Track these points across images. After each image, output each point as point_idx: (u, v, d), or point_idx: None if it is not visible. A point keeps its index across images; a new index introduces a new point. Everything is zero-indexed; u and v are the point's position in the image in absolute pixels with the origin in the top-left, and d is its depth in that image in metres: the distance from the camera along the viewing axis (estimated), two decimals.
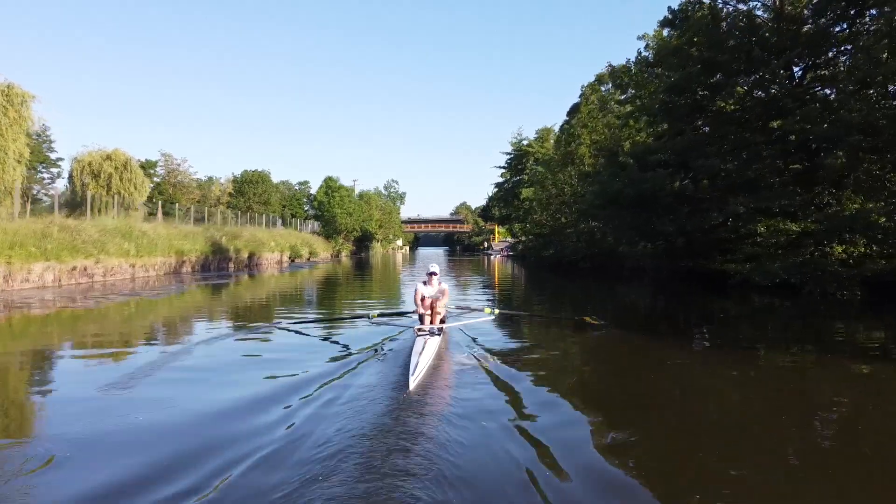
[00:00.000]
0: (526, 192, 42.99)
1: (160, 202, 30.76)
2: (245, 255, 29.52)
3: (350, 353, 6.50)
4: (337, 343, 7.41)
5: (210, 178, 65.52)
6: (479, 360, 6.14)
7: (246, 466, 3.20)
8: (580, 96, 32.22)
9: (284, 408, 4.34)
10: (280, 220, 49.20)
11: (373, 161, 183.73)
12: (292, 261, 37.11)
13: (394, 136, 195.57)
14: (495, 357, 6.34)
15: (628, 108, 21.92)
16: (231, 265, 27.87)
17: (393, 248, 79.60)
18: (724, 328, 9.94)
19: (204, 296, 15.11)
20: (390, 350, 6.56)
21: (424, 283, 7.22)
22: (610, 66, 21.44)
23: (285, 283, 20.93)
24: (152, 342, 7.97)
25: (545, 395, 4.95)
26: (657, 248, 21.06)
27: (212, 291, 16.23)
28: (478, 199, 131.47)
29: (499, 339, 7.90)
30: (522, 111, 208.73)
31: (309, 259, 40.99)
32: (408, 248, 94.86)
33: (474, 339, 7.43)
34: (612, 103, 22.77)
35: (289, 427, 3.86)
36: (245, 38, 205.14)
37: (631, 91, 21.20)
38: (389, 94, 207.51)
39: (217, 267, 26.24)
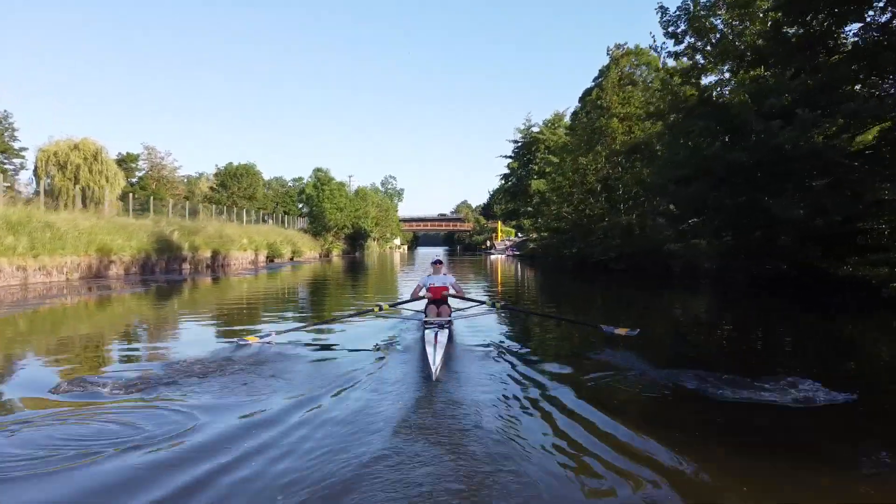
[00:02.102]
0: (536, 184, 37.88)
1: (94, 187, 25.85)
2: (206, 253, 24.56)
3: (360, 352, 5.93)
4: (341, 344, 6.42)
5: (201, 175, 61.33)
6: (492, 350, 6.09)
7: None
8: (609, 61, 27.19)
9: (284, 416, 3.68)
10: (270, 217, 45.00)
11: (370, 158, 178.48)
12: (271, 260, 32.64)
13: (392, 135, 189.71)
14: (508, 347, 6.27)
15: (685, 62, 16.97)
16: (187, 266, 22.90)
17: (391, 248, 75.10)
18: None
19: (96, 310, 10.11)
20: (400, 344, 6.34)
21: (430, 274, 7.38)
22: (661, 7, 16.36)
23: (252, 288, 15.84)
24: None
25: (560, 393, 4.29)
26: (723, 243, 16.05)
27: (116, 303, 11.23)
28: (479, 199, 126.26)
29: (506, 332, 7.82)
30: (523, 111, 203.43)
31: (292, 259, 36.63)
32: (406, 247, 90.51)
33: (483, 331, 7.39)
34: (664, 57, 17.76)
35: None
36: (243, 34, 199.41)
37: (689, 39, 16.29)
38: (388, 93, 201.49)
39: (165, 268, 21.22)
